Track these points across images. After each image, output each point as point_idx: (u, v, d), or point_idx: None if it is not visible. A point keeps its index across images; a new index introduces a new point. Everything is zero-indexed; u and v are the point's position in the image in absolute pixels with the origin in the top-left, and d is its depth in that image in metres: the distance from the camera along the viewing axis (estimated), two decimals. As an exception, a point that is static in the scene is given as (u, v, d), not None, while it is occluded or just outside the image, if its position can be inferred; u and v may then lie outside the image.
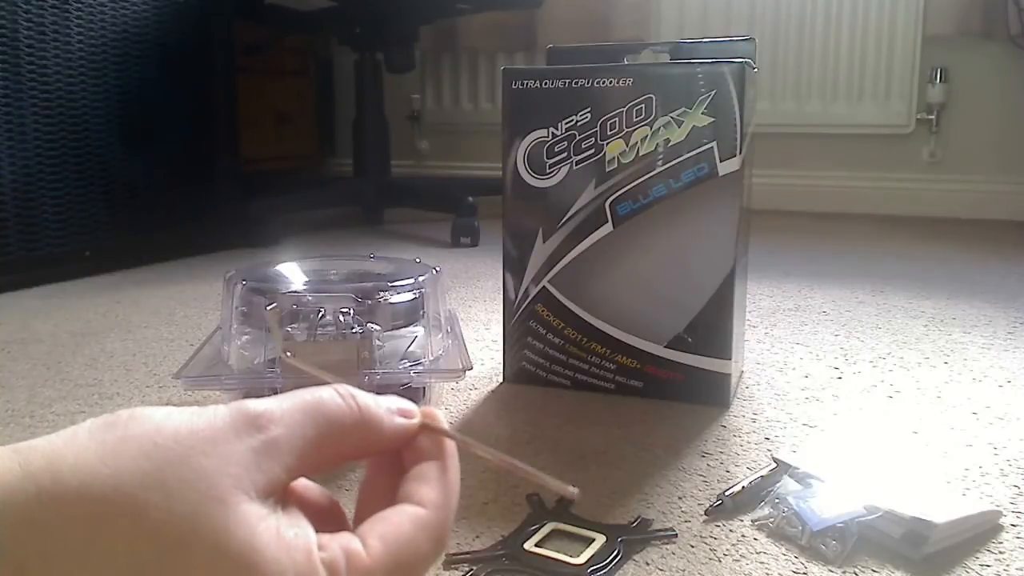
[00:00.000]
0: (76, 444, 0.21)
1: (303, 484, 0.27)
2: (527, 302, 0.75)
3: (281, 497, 0.24)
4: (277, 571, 0.22)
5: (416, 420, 0.28)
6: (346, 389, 0.26)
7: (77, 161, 1.28)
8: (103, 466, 0.21)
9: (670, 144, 0.68)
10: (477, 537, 0.49)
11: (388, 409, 0.27)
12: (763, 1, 2.02)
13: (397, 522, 0.25)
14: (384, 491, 0.27)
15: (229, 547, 0.21)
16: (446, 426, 0.29)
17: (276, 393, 0.62)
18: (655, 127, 0.68)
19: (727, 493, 0.52)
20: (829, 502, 0.49)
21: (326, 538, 0.24)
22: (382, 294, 0.63)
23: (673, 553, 0.48)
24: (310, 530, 0.24)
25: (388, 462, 0.28)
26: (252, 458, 0.23)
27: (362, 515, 0.26)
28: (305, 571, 0.22)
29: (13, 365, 0.84)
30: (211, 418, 0.23)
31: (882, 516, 0.47)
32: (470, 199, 1.62)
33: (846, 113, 2.00)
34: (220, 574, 0.21)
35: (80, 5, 1.26)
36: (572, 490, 0.27)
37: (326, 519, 0.26)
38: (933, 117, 1.93)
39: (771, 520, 0.50)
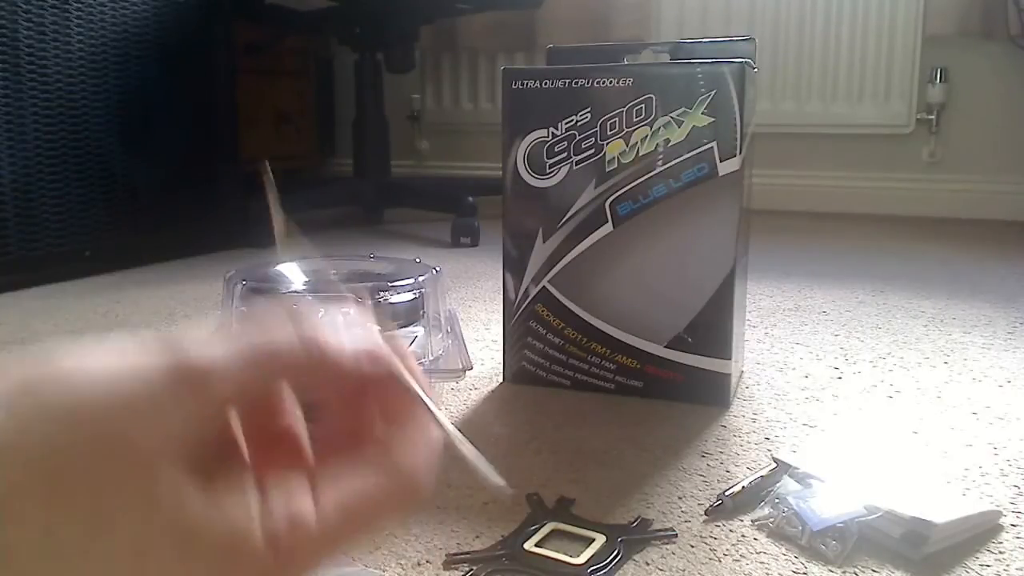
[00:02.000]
0: None
1: (259, 410, 0.24)
2: (527, 302, 0.75)
3: (218, 456, 0.22)
4: (209, 544, 0.20)
5: (382, 371, 0.24)
6: (309, 327, 0.23)
7: (77, 161, 1.28)
8: (16, 439, 0.19)
9: (670, 144, 0.68)
10: (477, 537, 0.49)
11: (354, 353, 0.24)
12: (763, 1, 2.02)
13: (362, 490, 0.23)
14: (348, 422, 0.25)
15: (156, 518, 0.20)
16: (413, 383, 0.25)
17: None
18: (655, 127, 0.68)
19: (727, 493, 0.52)
20: (829, 502, 0.49)
21: (273, 499, 0.22)
22: (382, 294, 0.63)
23: (673, 553, 0.48)
24: (251, 495, 0.21)
25: (355, 393, 0.25)
26: (184, 421, 0.20)
27: (324, 452, 0.24)
28: (241, 545, 0.20)
29: (13, 365, 0.84)
30: (139, 375, 0.20)
31: (882, 516, 0.47)
32: (470, 199, 1.62)
33: (846, 113, 2.00)
34: (146, 547, 0.20)
35: (80, 5, 1.26)
36: (503, 486, 0.25)
37: (279, 449, 0.24)
38: (933, 117, 1.93)
39: (771, 520, 0.50)
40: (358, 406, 0.25)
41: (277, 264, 0.72)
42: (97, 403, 0.20)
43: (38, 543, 0.19)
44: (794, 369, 0.82)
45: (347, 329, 0.24)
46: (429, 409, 0.25)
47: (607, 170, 0.70)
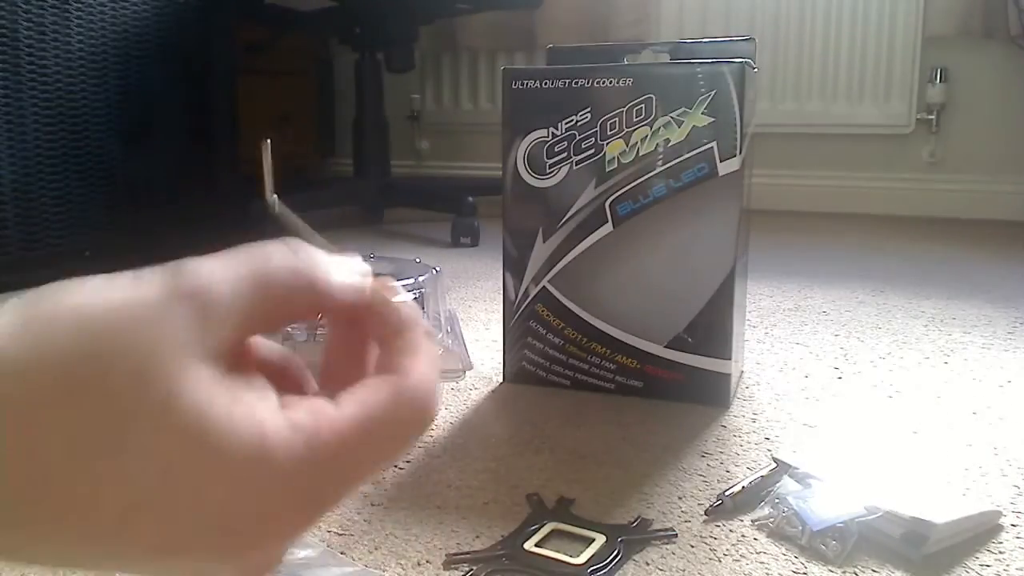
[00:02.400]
0: (1, 327, 0.20)
1: (261, 344, 0.25)
2: (527, 302, 0.75)
3: (234, 360, 0.22)
4: (235, 434, 0.20)
5: (367, 287, 0.25)
6: (297, 246, 0.24)
7: (77, 161, 1.28)
8: (32, 347, 0.19)
9: (670, 144, 0.68)
10: (477, 537, 0.49)
11: (350, 282, 0.24)
12: (763, 1, 2.02)
13: (375, 386, 0.23)
14: (351, 355, 0.25)
15: (181, 413, 0.19)
16: (394, 304, 0.26)
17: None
18: (655, 127, 0.68)
19: (727, 493, 0.52)
20: (829, 502, 0.49)
21: (291, 399, 0.22)
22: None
23: (673, 553, 0.48)
24: (270, 391, 0.22)
25: (352, 325, 0.26)
26: (195, 320, 0.20)
27: (329, 382, 0.24)
28: (270, 431, 0.20)
29: (13, 365, 0.84)
30: (144, 284, 0.21)
31: (882, 516, 0.47)
32: (470, 199, 1.62)
33: (846, 113, 2.00)
34: (173, 442, 0.19)
35: (80, 5, 1.26)
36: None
37: (289, 383, 0.24)
38: (933, 117, 1.93)
39: (771, 520, 0.50)
40: (358, 331, 0.25)
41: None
42: (109, 314, 0.20)
43: (63, 449, 0.19)
44: (794, 369, 0.82)
45: (340, 263, 0.24)
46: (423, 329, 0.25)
47: (607, 170, 0.70)
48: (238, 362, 0.22)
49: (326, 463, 0.21)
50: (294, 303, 0.23)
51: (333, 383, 0.24)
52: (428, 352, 0.24)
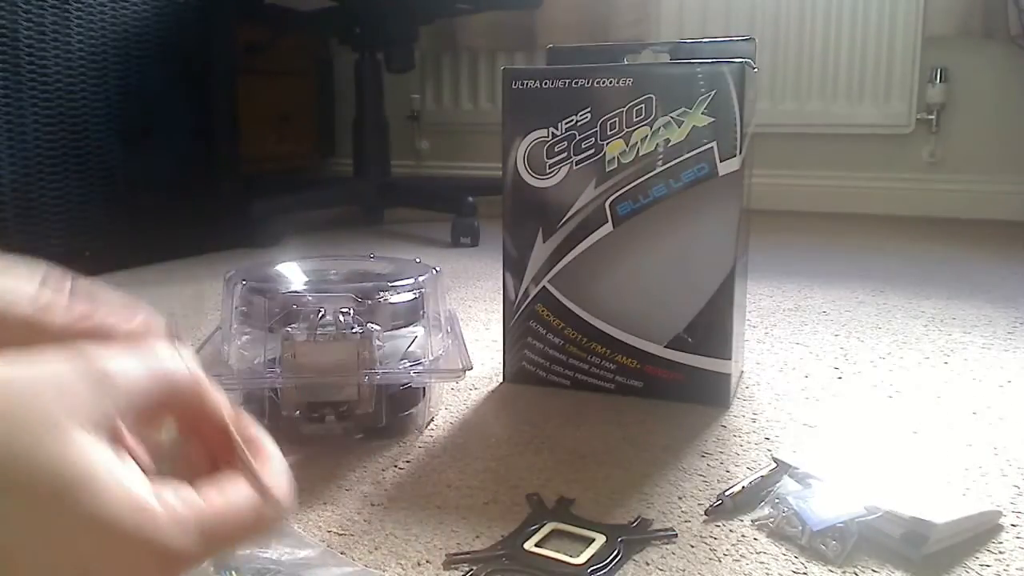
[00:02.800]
0: None
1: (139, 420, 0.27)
2: (527, 302, 0.75)
3: (117, 438, 0.24)
4: (115, 498, 0.21)
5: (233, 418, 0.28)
6: (189, 359, 0.26)
7: (77, 161, 1.28)
8: None
9: (670, 144, 0.68)
10: (477, 537, 0.49)
11: (218, 398, 0.27)
12: (763, 1, 2.02)
13: (237, 482, 0.25)
14: (203, 456, 0.28)
15: (65, 472, 0.21)
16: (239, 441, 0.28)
17: (277, 394, 0.62)
18: (655, 127, 0.68)
19: (727, 493, 0.52)
20: (829, 502, 0.49)
21: (158, 483, 0.24)
22: (382, 294, 0.63)
23: (673, 553, 0.48)
24: (143, 476, 0.24)
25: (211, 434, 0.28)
26: (89, 394, 0.23)
27: (187, 473, 0.26)
28: (139, 501, 0.22)
29: (13, 365, 0.84)
30: (48, 359, 0.23)
31: (882, 516, 0.47)
32: (470, 199, 1.62)
33: (846, 113, 2.00)
34: (55, 501, 0.21)
35: (80, 5, 1.26)
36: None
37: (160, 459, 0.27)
38: (933, 117, 1.93)
39: (771, 520, 0.50)
40: (222, 436, 0.28)
41: (277, 264, 0.72)
42: (10, 374, 0.22)
43: None
44: (794, 369, 0.82)
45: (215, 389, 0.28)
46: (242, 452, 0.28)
47: (607, 170, 0.70)
48: (119, 445, 0.24)
49: (189, 538, 0.23)
50: (177, 409, 0.26)
51: (190, 474, 0.26)
52: (278, 459, 0.27)
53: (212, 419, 0.27)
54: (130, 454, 0.24)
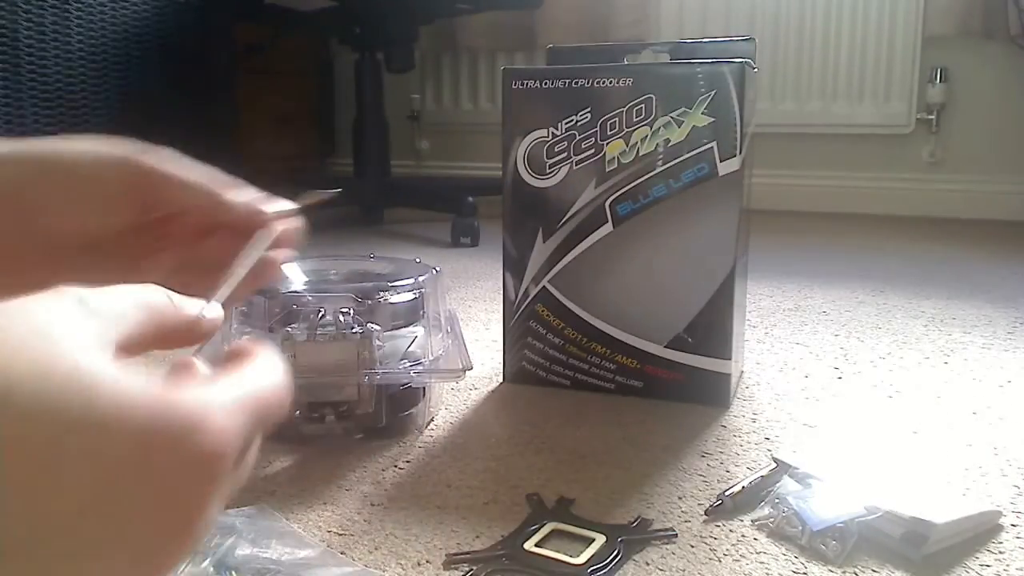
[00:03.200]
0: None
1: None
2: (527, 302, 0.75)
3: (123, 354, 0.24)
4: (138, 400, 0.21)
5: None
6: (170, 294, 0.27)
7: (77, 161, 1.27)
8: None
9: (670, 144, 0.68)
10: (477, 537, 0.49)
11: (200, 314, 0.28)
12: (763, 1, 2.02)
13: (252, 381, 0.25)
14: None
15: (87, 393, 0.20)
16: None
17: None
18: (655, 127, 0.68)
19: (727, 493, 0.52)
20: (829, 502, 0.49)
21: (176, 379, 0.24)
22: (382, 294, 0.63)
23: (673, 553, 0.48)
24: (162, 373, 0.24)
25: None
26: (82, 318, 0.22)
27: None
28: (171, 398, 0.22)
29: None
30: (46, 300, 0.23)
31: (882, 516, 0.47)
32: (470, 199, 1.62)
33: (846, 113, 2.00)
34: (85, 424, 0.20)
35: (80, 5, 1.26)
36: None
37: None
38: (933, 117, 1.93)
39: (771, 520, 0.50)
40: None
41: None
42: (7, 308, 0.21)
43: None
44: (794, 369, 0.82)
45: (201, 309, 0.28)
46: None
47: (607, 170, 0.70)
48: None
49: (237, 417, 0.23)
50: (165, 339, 0.26)
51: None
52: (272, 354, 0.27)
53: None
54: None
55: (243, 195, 0.36)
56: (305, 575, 0.44)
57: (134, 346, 0.24)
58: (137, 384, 0.21)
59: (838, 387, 0.76)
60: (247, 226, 0.36)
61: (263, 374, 0.26)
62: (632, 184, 0.70)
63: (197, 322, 0.27)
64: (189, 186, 0.35)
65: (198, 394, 0.22)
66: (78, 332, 0.22)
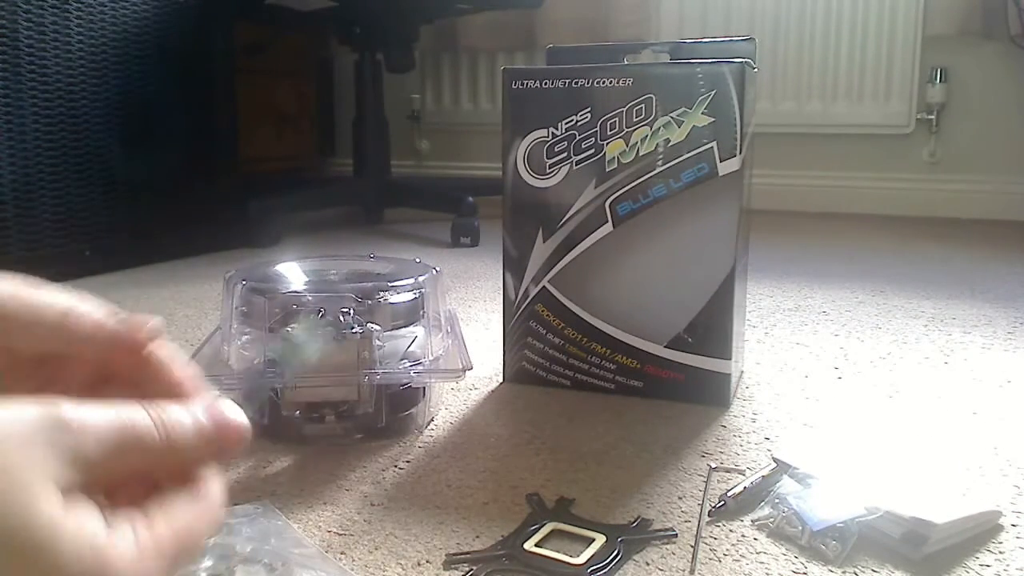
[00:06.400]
0: None
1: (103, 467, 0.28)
2: (527, 302, 0.75)
3: (73, 487, 0.24)
4: (74, 551, 0.23)
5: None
6: (157, 413, 0.27)
7: (77, 161, 1.28)
8: None
9: (670, 144, 0.68)
10: (477, 537, 0.49)
11: (196, 435, 0.28)
12: (763, 1, 2.02)
13: (182, 503, 0.27)
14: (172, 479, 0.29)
15: (31, 534, 0.22)
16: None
17: (277, 394, 0.62)
18: (655, 127, 0.68)
19: (729, 494, 0.52)
20: (829, 502, 0.49)
21: (116, 521, 0.25)
22: (382, 294, 0.63)
23: (673, 553, 0.48)
24: (98, 515, 0.25)
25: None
26: (55, 456, 0.23)
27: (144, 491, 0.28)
28: (98, 550, 0.23)
29: (13, 365, 0.84)
30: (18, 414, 0.23)
31: (882, 516, 0.47)
32: (470, 199, 1.62)
33: (846, 113, 2.00)
34: (21, 560, 0.22)
35: (80, 5, 1.26)
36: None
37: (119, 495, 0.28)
38: (933, 117, 1.93)
39: (771, 520, 0.50)
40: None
41: (277, 264, 0.72)
42: None
43: None
44: (794, 369, 0.82)
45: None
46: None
47: (607, 170, 0.70)
48: (76, 493, 0.25)
49: (152, 568, 0.25)
50: (147, 465, 0.27)
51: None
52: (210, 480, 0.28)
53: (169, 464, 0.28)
54: (88, 495, 0.25)
55: (91, 313, 0.33)
56: (305, 574, 0.44)
57: (107, 471, 0.25)
58: (70, 543, 0.22)
59: (838, 387, 0.76)
60: (109, 342, 0.33)
61: (196, 506, 0.27)
62: (632, 184, 0.70)
63: (182, 450, 0.28)
64: (36, 311, 0.31)
65: (123, 550, 0.24)
66: (28, 468, 0.23)
